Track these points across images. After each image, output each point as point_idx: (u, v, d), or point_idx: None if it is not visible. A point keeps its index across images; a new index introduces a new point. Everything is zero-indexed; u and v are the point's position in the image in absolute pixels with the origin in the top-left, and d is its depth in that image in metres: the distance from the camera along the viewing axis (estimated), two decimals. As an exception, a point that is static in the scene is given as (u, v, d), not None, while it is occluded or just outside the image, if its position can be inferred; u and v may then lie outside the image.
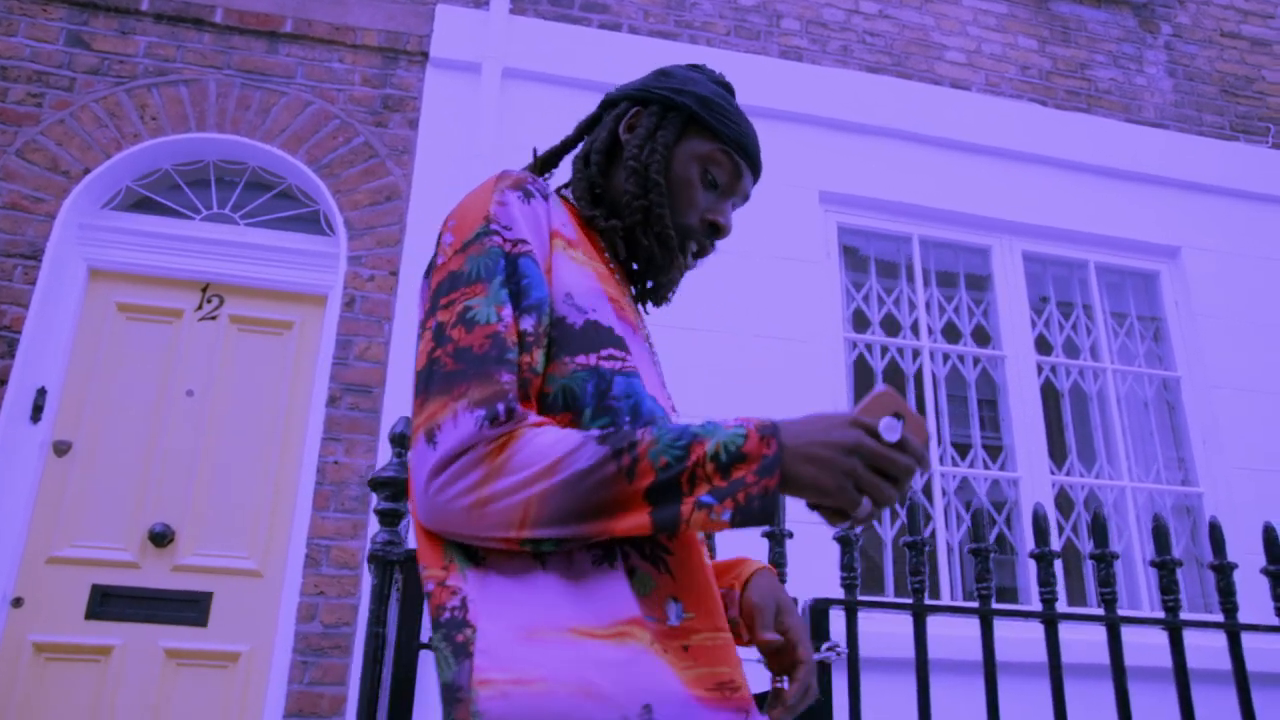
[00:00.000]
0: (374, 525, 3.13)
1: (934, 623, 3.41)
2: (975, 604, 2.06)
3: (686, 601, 0.89)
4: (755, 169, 1.13)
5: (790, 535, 1.96)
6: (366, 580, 3.05)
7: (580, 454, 0.82)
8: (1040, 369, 4.07)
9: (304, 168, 3.56)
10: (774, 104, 4.04)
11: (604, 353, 0.93)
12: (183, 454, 3.29)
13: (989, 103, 4.33)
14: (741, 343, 3.63)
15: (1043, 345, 4.22)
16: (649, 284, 1.14)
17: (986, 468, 3.87)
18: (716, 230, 1.09)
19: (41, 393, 3.22)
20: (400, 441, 1.87)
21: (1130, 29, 4.78)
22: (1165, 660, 3.33)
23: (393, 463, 1.85)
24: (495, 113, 3.70)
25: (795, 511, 3.33)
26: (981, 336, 4.16)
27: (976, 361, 4.05)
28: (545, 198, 0.99)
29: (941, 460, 3.82)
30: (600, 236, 1.09)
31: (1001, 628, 3.47)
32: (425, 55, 3.82)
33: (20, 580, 3.10)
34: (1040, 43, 4.60)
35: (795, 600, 1.94)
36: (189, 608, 3.15)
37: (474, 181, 3.58)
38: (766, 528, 1.97)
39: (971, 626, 3.42)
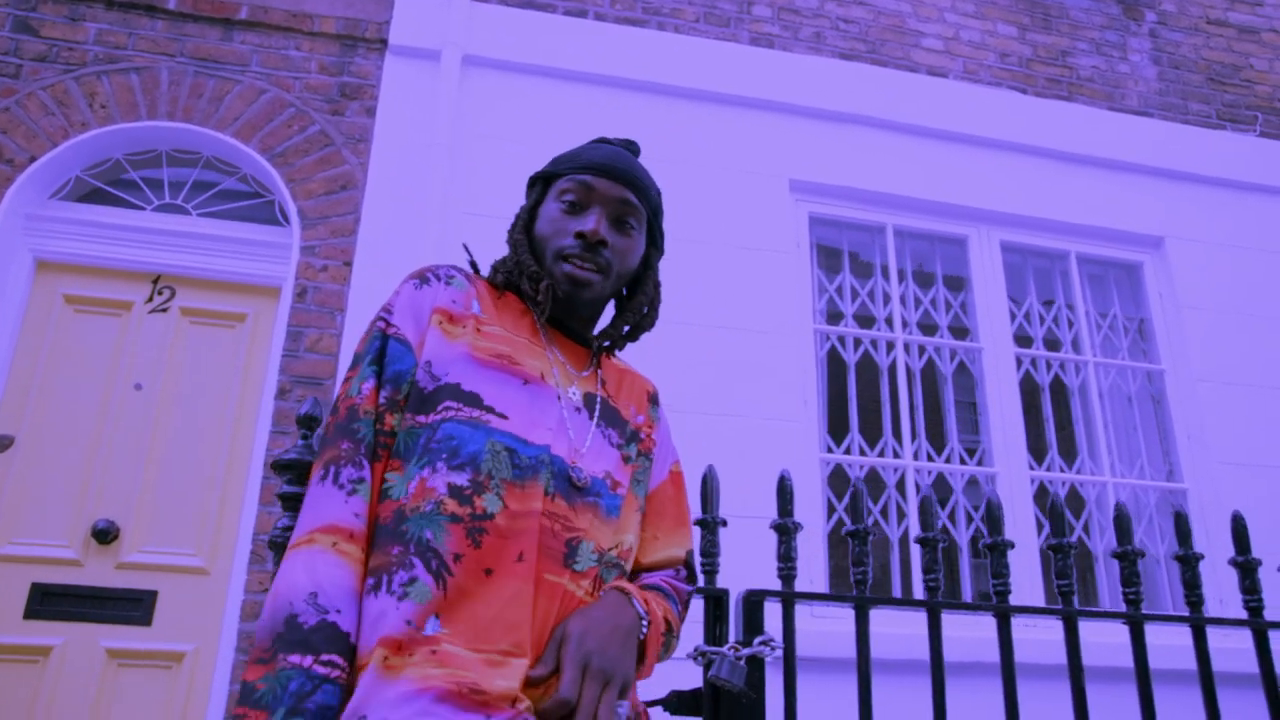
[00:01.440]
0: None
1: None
2: (923, 598, 1.95)
3: (445, 619, 1.01)
4: (607, 173, 1.27)
5: (724, 524, 1.86)
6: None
7: (270, 618, 1.00)
8: (1020, 362, 3.96)
9: (257, 156, 3.47)
10: (743, 91, 3.95)
11: (439, 408, 1.12)
12: (130, 448, 3.21)
13: (967, 90, 4.23)
14: (707, 334, 3.54)
15: (1022, 338, 4.12)
16: (625, 327, 1.35)
17: (963, 463, 3.76)
18: (582, 236, 1.22)
19: (-17, 386, 3.13)
20: (307, 423, 1.78)
21: (1114, 16, 4.68)
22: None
23: (298, 445, 1.75)
24: (454, 101, 3.62)
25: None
26: (959, 329, 4.06)
27: (953, 355, 3.94)
28: (448, 281, 1.22)
29: (916, 455, 3.71)
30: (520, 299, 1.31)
31: (976, 627, 3.36)
32: (384, 42, 3.73)
33: (-42, 579, 3.01)
34: (1020, 29, 4.50)
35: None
36: (132, 606, 3.05)
37: (431, 170, 3.49)
38: (699, 515, 1.87)
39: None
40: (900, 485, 3.63)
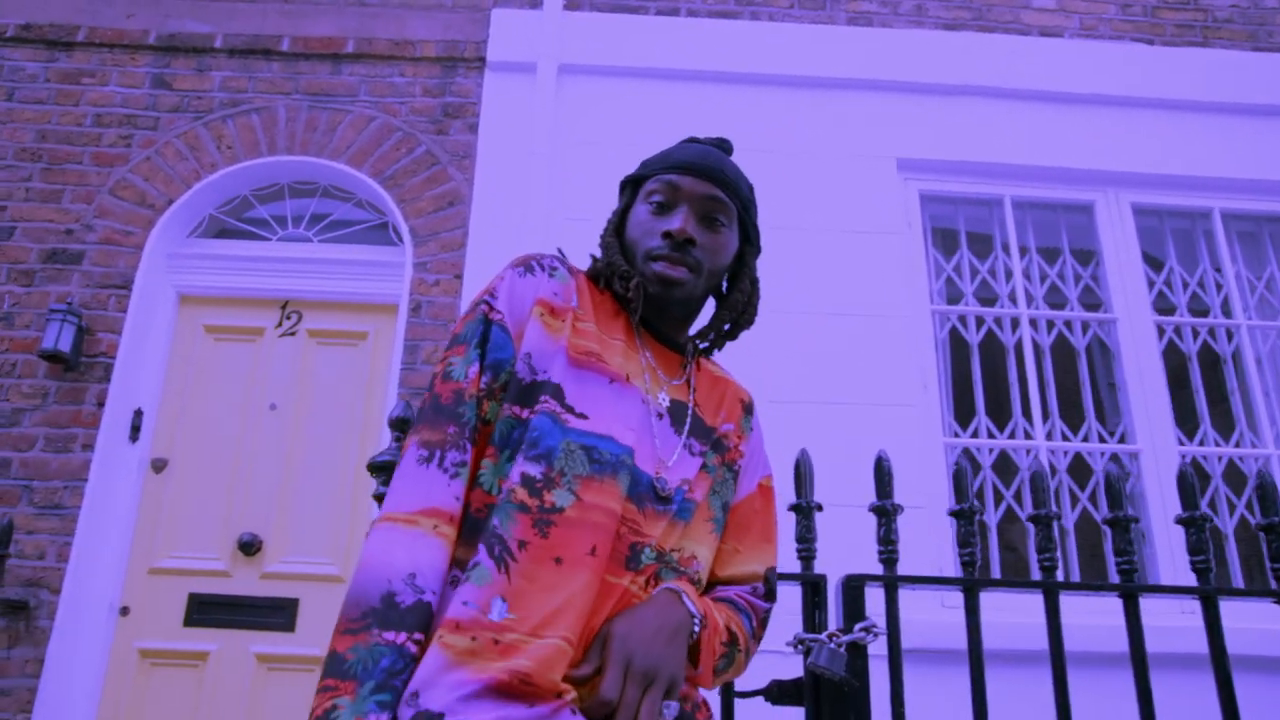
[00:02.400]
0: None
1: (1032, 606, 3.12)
2: (1038, 579, 1.83)
3: (512, 604, 1.00)
4: (693, 171, 1.25)
5: (819, 508, 1.81)
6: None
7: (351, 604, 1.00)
8: (1161, 331, 3.70)
9: (370, 181, 3.63)
10: (843, 73, 3.85)
11: (535, 405, 1.12)
12: (268, 465, 3.40)
13: (1085, 48, 3.99)
14: (816, 322, 3.46)
15: (1164, 307, 3.84)
16: (725, 325, 1.34)
17: (1103, 441, 3.53)
18: (670, 235, 1.20)
19: (138, 414, 3.39)
20: (399, 426, 1.84)
21: (1250, -48, 4.32)
22: None
23: (391, 447, 1.81)
24: (551, 110, 3.68)
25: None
26: (1092, 303, 3.82)
27: (1086, 328, 3.71)
28: (551, 272, 1.22)
29: (1050, 435, 3.51)
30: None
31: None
32: (483, 60, 3.84)
33: (126, 590, 3.26)
34: (1143, -22, 4.21)
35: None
36: (277, 614, 3.23)
37: (532, 179, 3.56)
38: (794, 500, 1.82)
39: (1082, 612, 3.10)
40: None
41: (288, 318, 3.60)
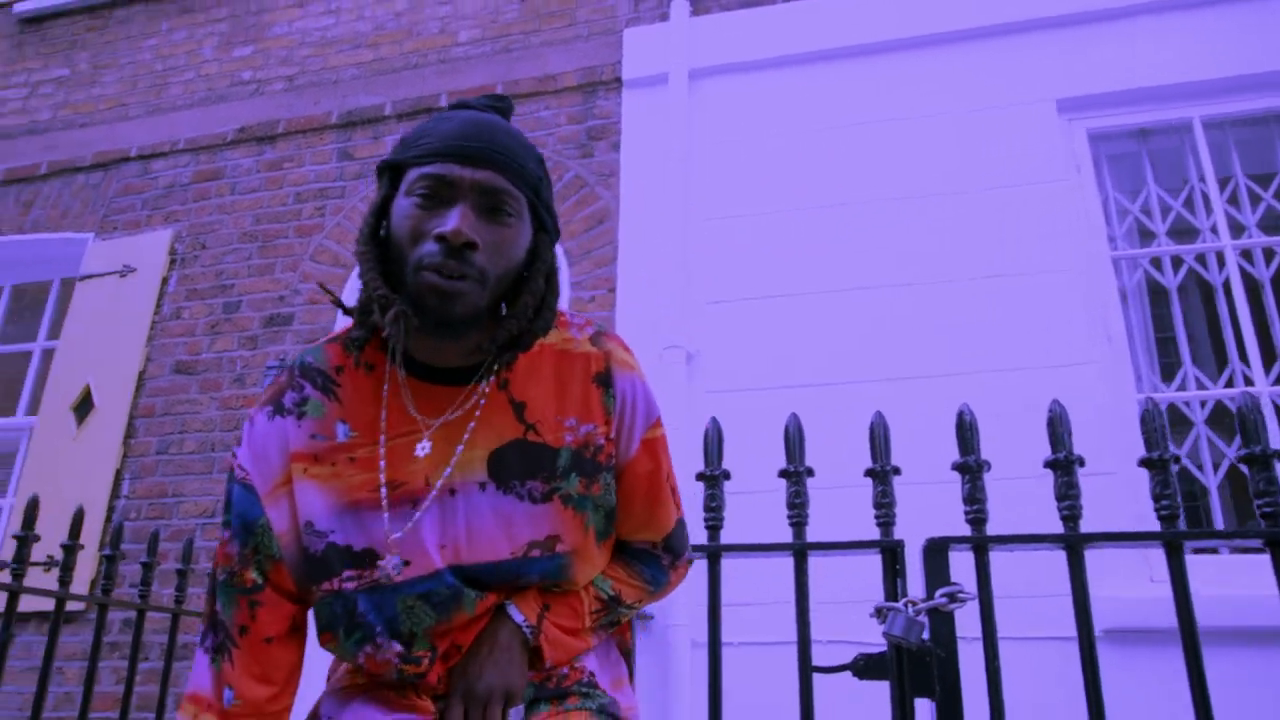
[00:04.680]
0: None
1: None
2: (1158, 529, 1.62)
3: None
4: (463, 157, 1.01)
5: (898, 472, 1.71)
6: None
7: None
8: None
9: (525, 213, 3.85)
10: (985, 21, 3.60)
11: (345, 575, 1.05)
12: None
13: (1279, -66, 3.46)
14: (984, 287, 3.23)
15: None
16: (511, 335, 1.07)
17: (1350, 380, 3.03)
18: (443, 239, 0.99)
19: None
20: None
21: None
22: None
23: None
24: (685, 115, 3.73)
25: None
26: (1322, 221, 3.30)
27: (1314, 251, 3.20)
28: (299, 414, 1.08)
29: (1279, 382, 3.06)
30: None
31: None
32: (619, 80, 3.97)
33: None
34: None
35: (897, 543, 1.68)
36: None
37: (671, 185, 3.62)
38: (869, 465, 1.73)
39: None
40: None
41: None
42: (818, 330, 3.29)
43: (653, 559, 1.25)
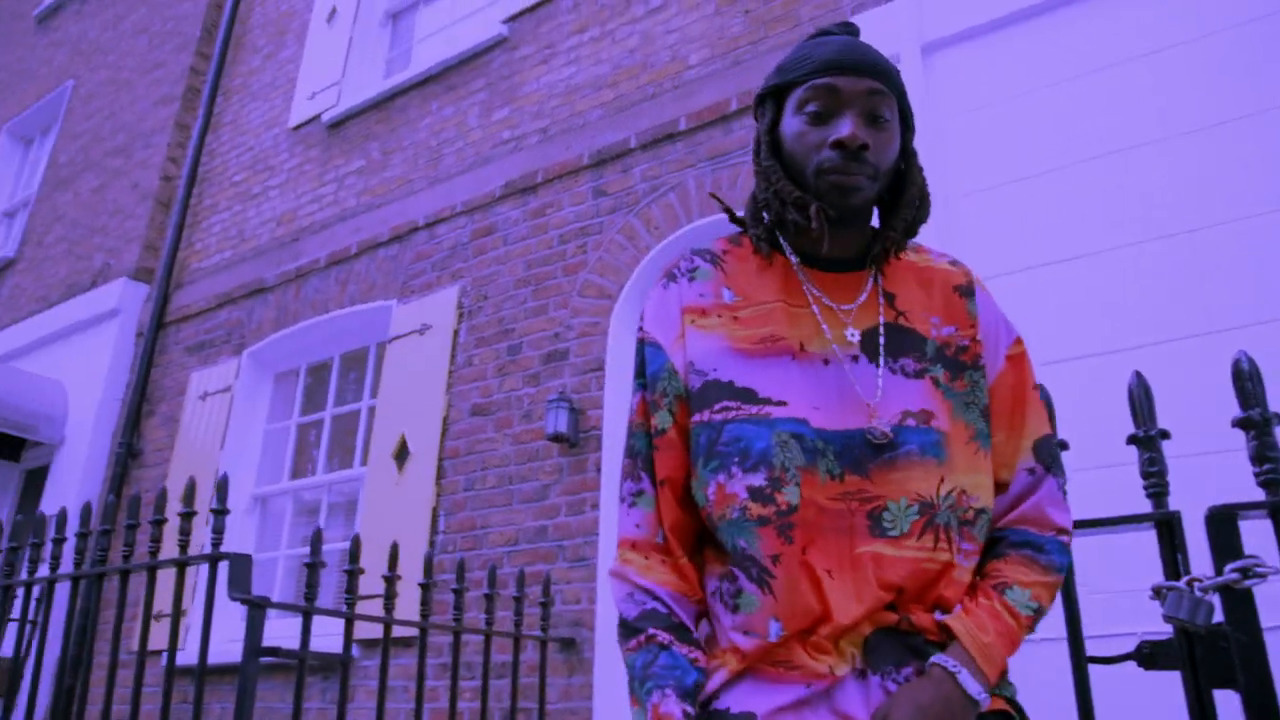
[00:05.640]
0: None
1: None
2: None
3: (785, 620, 1.07)
4: (848, 69, 1.14)
5: (1167, 436, 1.51)
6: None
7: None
8: None
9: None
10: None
11: (717, 407, 1.13)
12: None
13: None
14: (1188, 242, 2.78)
15: None
16: (890, 230, 1.20)
17: None
18: (841, 145, 1.12)
19: (631, 472, 3.94)
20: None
21: None
22: None
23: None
24: (922, 91, 3.55)
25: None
26: None
27: None
28: (690, 275, 1.22)
29: None
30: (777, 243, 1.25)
31: None
32: (851, 70, 3.86)
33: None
34: None
35: (1172, 515, 1.46)
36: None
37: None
38: (1133, 431, 1.53)
39: None
40: None
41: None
42: (1084, 298, 2.98)
43: (1035, 539, 1.16)
